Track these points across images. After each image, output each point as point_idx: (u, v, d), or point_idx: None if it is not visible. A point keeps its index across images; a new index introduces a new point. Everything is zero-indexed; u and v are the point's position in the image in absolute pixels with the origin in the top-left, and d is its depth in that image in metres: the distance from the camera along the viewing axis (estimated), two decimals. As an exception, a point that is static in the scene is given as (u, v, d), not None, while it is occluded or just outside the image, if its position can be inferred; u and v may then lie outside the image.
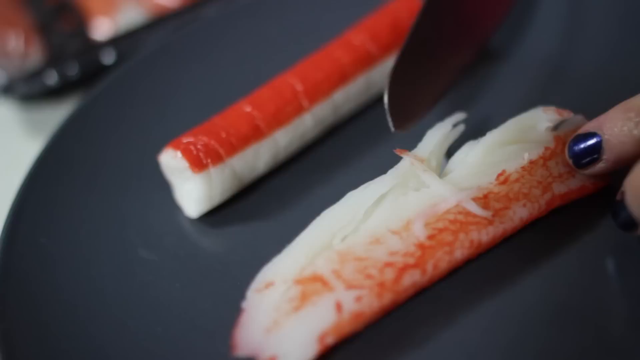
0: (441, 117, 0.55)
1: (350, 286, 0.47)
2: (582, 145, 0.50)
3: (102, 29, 0.78)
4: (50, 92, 0.75)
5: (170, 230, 0.56)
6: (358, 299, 0.46)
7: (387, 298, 0.47)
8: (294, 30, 0.70)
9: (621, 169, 0.49)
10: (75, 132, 0.63)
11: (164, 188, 0.58)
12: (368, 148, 0.60)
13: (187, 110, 0.64)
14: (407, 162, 0.52)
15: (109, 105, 0.65)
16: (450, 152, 0.54)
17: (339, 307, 0.46)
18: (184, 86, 0.67)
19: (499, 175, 0.51)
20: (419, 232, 0.49)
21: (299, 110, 0.59)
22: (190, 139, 0.55)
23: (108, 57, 0.74)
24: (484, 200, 0.50)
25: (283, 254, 0.49)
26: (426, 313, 0.48)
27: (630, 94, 0.49)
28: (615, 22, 0.65)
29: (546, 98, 0.58)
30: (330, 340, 0.46)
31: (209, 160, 0.55)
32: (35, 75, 0.73)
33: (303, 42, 0.65)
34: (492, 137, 0.53)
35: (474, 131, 0.55)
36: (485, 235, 0.49)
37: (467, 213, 0.49)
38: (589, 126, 0.50)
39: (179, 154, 0.55)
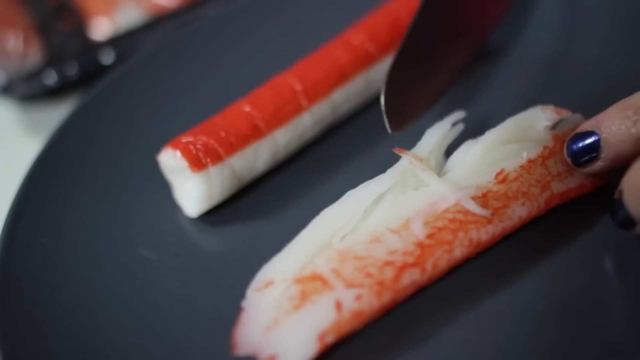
0: (440, 116, 0.55)
1: (350, 285, 0.47)
2: (580, 144, 0.50)
3: (101, 29, 0.79)
4: (50, 92, 0.75)
5: (170, 230, 0.56)
6: (358, 297, 0.46)
7: (387, 297, 0.47)
8: (293, 30, 0.70)
9: (619, 168, 0.49)
10: (74, 132, 0.63)
11: (163, 187, 0.58)
12: (367, 147, 0.60)
13: (187, 110, 0.64)
14: (406, 161, 0.52)
15: (108, 105, 0.65)
16: (449, 151, 0.54)
17: (338, 305, 0.46)
18: (183, 86, 0.67)
19: (498, 174, 0.51)
20: (419, 231, 0.49)
21: (298, 109, 0.59)
22: (190, 139, 0.55)
23: (107, 57, 0.75)
24: (483, 199, 0.50)
25: (283, 253, 0.49)
26: (426, 312, 0.49)
27: (628, 92, 0.49)
28: (614, 21, 0.65)
29: (545, 97, 0.58)
30: (330, 339, 0.46)
31: (208, 160, 0.55)
32: (35, 75, 0.73)
33: (302, 41, 0.65)
34: (491, 136, 0.53)
35: (473, 130, 0.55)
36: (485, 234, 0.49)
37: (467, 212, 0.49)
38: (587, 125, 0.50)
39: (178, 153, 0.55)
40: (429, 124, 0.55)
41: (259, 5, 0.73)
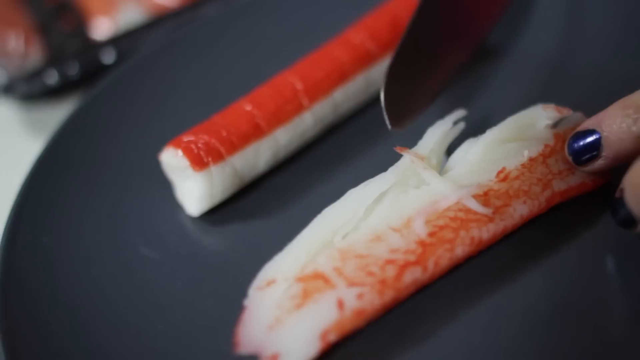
0: (441, 115, 0.56)
1: (351, 283, 0.47)
2: (581, 143, 0.50)
3: (101, 28, 0.79)
4: (51, 91, 0.75)
5: (172, 229, 0.56)
6: (359, 296, 0.46)
7: (389, 295, 0.47)
8: (294, 29, 0.70)
9: (620, 166, 0.49)
10: (75, 132, 0.63)
11: (164, 187, 0.58)
12: (368, 146, 0.60)
13: (188, 109, 0.64)
14: (408, 160, 0.52)
15: (109, 105, 0.65)
16: (450, 150, 0.54)
17: (340, 304, 0.46)
18: (184, 85, 0.67)
19: (499, 172, 0.51)
20: (420, 230, 0.49)
21: (299, 108, 0.59)
22: (191, 138, 0.56)
23: (108, 57, 0.75)
24: (484, 197, 0.50)
25: (284, 251, 0.49)
26: (427, 310, 0.49)
27: (629, 91, 0.49)
28: (614, 20, 0.65)
29: (545, 96, 0.58)
30: (332, 337, 0.46)
31: (209, 159, 0.55)
32: (36, 74, 0.73)
33: (302, 41, 0.65)
34: (492, 134, 0.53)
35: (473, 129, 0.55)
36: (486, 232, 0.49)
37: (468, 210, 0.49)
38: (588, 123, 0.50)
39: (179, 152, 0.55)
40: (430, 123, 0.55)
41: (259, 4, 0.73)
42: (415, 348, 0.47)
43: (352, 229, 0.49)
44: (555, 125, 0.53)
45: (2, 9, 0.80)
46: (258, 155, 0.57)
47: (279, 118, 0.58)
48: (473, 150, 0.53)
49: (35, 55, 0.76)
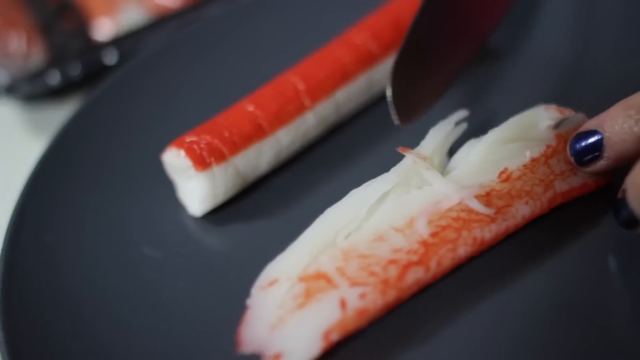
0: (443, 115, 0.55)
1: (354, 283, 0.47)
2: (583, 143, 0.50)
3: (103, 29, 0.79)
4: (53, 92, 0.75)
5: (174, 229, 0.56)
6: (362, 296, 0.47)
7: (391, 295, 0.47)
8: (296, 30, 0.70)
9: (623, 167, 0.49)
10: (78, 132, 0.63)
11: (167, 187, 0.58)
12: (370, 147, 0.60)
13: (190, 110, 0.65)
14: (410, 160, 0.52)
15: (111, 105, 0.65)
16: (452, 150, 0.54)
17: (343, 304, 0.46)
18: (186, 86, 0.67)
19: (501, 173, 0.51)
20: (422, 230, 0.49)
21: (301, 109, 0.59)
22: (194, 138, 0.56)
23: (110, 57, 0.75)
24: (486, 197, 0.50)
25: (287, 251, 0.50)
26: (429, 310, 0.49)
27: (631, 92, 0.49)
28: (616, 20, 0.65)
29: (547, 96, 0.58)
30: (334, 336, 0.46)
31: (212, 159, 0.55)
32: (38, 75, 0.73)
33: (304, 41, 0.65)
34: (494, 135, 0.53)
35: (476, 129, 0.55)
36: (488, 232, 0.49)
37: (470, 210, 0.49)
38: (590, 124, 0.50)
39: (182, 152, 0.55)
40: (433, 123, 0.55)
41: (261, 5, 0.73)
42: (418, 348, 0.48)
43: (355, 229, 0.49)
44: (557, 125, 0.53)
45: (4, 9, 0.80)
46: (260, 156, 0.57)
47: (281, 118, 0.58)
48: (475, 151, 0.53)
49: (37, 56, 0.76)
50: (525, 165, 0.52)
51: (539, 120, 0.54)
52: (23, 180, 0.59)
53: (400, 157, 0.52)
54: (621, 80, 0.59)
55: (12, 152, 0.74)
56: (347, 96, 0.61)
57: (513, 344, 0.47)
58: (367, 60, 0.61)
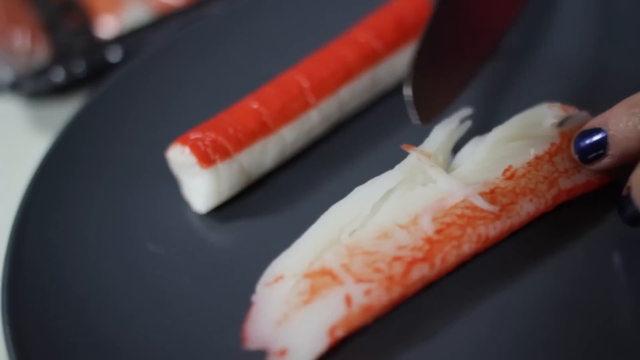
0: (448, 113, 0.56)
1: (359, 280, 0.47)
2: (587, 141, 0.51)
3: (107, 27, 0.79)
4: (57, 89, 0.75)
5: (179, 226, 0.57)
6: (367, 292, 0.47)
7: (396, 291, 0.47)
8: (299, 28, 0.70)
9: (627, 164, 0.49)
10: (82, 129, 0.63)
11: (171, 184, 0.58)
12: (374, 144, 0.60)
13: (194, 107, 0.65)
14: (414, 158, 0.52)
15: (115, 102, 0.66)
16: (456, 148, 0.54)
17: (348, 300, 0.46)
18: (190, 83, 0.67)
19: (506, 170, 0.51)
20: (427, 227, 0.49)
21: (305, 106, 0.59)
22: (198, 135, 0.56)
23: (114, 55, 0.75)
24: (490, 195, 0.50)
25: (292, 248, 0.50)
26: (434, 306, 0.49)
27: (635, 90, 0.50)
28: (620, 18, 0.65)
29: (551, 94, 0.58)
30: (340, 333, 0.46)
31: (217, 156, 0.55)
32: (42, 72, 0.73)
33: (307, 40, 0.65)
34: (498, 132, 0.53)
35: (480, 127, 0.56)
36: (493, 229, 0.49)
37: (475, 208, 0.49)
38: (595, 122, 0.50)
39: (187, 149, 0.55)
40: (437, 121, 0.55)
41: (264, 3, 0.73)
42: (422, 344, 0.48)
43: (360, 226, 0.50)
44: (561, 123, 0.53)
45: (8, 6, 0.80)
46: (265, 153, 0.57)
47: (285, 116, 0.58)
48: (479, 148, 0.53)
49: (41, 53, 0.76)
50: (529, 163, 0.52)
51: (543, 118, 0.54)
52: (27, 178, 0.59)
53: (404, 155, 0.52)
54: (625, 79, 0.59)
55: (17, 149, 0.74)
56: (351, 94, 0.61)
57: (517, 341, 0.47)
58: (371, 59, 0.62)
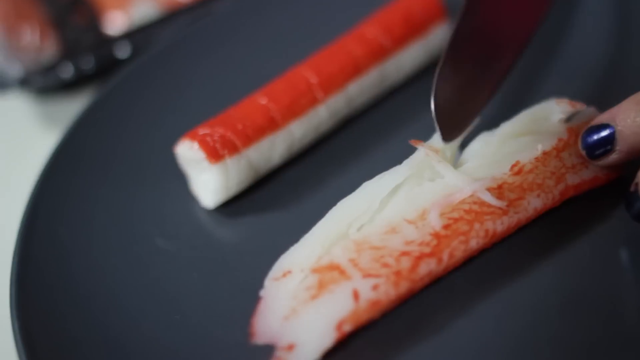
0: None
1: (367, 275, 0.47)
2: (595, 137, 0.51)
3: (116, 23, 0.79)
4: (66, 85, 0.76)
5: (187, 221, 0.57)
6: (375, 287, 0.47)
7: (404, 286, 0.47)
8: (307, 24, 0.70)
9: (634, 160, 0.49)
10: (91, 125, 0.63)
11: (179, 179, 0.58)
12: (382, 139, 0.60)
13: (202, 103, 0.65)
14: (422, 153, 0.52)
15: (124, 98, 0.66)
16: (464, 143, 0.54)
17: (356, 295, 0.46)
18: (198, 79, 0.67)
19: (513, 166, 0.51)
20: (435, 222, 0.49)
21: (313, 102, 0.59)
22: (207, 130, 0.56)
23: (123, 51, 0.75)
24: (498, 190, 0.50)
25: (300, 243, 0.50)
26: (441, 301, 0.49)
27: (643, 86, 0.50)
28: (628, 14, 0.65)
29: (559, 90, 0.58)
30: (347, 327, 0.46)
31: (225, 151, 0.55)
32: (51, 68, 0.74)
33: (315, 35, 0.65)
34: (506, 128, 0.53)
35: (488, 122, 0.55)
36: (500, 225, 0.50)
37: (482, 203, 0.50)
38: (602, 118, 0.50)
39: (195, 145, 0.55)
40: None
41: (272, -1, 0.74)
42: (429, 339, 0.48)
43: (367, 221, 0.50)
44: (568, 119, 0.53)
45: (17, 3, 0.81)
46: (273, 148, 0.57)
47: (293, 111, 0.58)
48: (487, 144, 0.53)
49: (50, 49, 0.76)
50: (537, 158, 0.52)
51: (551, 113, 0.54)
52: (36, 173, 0.60)
53: (412, 150, 0.52)
54: (633, 75, 0.59)
55: (25, 144, 0.74)
56: (359, 89, 0.61)
57: (523, 336, 0.47)
58: (379, 54, 0.62)
